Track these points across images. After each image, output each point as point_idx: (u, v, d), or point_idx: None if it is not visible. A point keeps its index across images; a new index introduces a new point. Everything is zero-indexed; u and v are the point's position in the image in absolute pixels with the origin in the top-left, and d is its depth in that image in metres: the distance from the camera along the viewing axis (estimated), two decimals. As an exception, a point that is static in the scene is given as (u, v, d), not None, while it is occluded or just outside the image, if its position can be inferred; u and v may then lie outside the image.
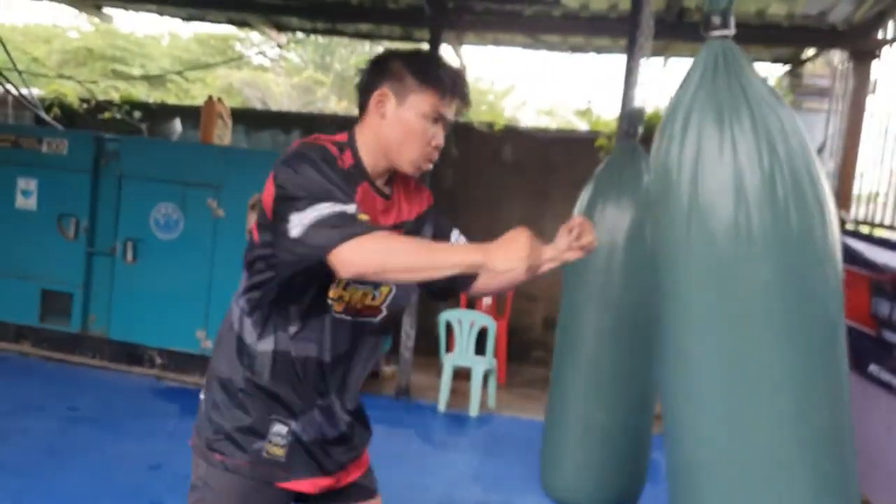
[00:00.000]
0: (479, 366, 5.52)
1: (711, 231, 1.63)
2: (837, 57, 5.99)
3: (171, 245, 5.62)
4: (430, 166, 1.84)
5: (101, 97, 8.30)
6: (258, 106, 13.85)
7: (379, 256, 1.54)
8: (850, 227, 5.23)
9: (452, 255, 1.56)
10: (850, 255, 4.63)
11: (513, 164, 7.27)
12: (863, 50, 5.42)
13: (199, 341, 5.59)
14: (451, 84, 1.78)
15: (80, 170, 5.75)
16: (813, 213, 1.62)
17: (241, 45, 18.29)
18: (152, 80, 13.59)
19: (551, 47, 6.81)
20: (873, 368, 4.28)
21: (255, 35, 17.72)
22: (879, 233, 4.92)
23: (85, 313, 5.82)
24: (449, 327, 5.75)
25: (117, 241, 5.70)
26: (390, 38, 7.18)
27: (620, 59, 5.97)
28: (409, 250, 1.58)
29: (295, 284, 1.76)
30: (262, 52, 17.97)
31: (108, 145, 5.79)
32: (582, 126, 8.28)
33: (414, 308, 5.85)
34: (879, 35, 5.31)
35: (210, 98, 5.89)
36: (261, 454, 1.81)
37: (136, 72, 13.82)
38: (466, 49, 7.19)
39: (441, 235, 2.00)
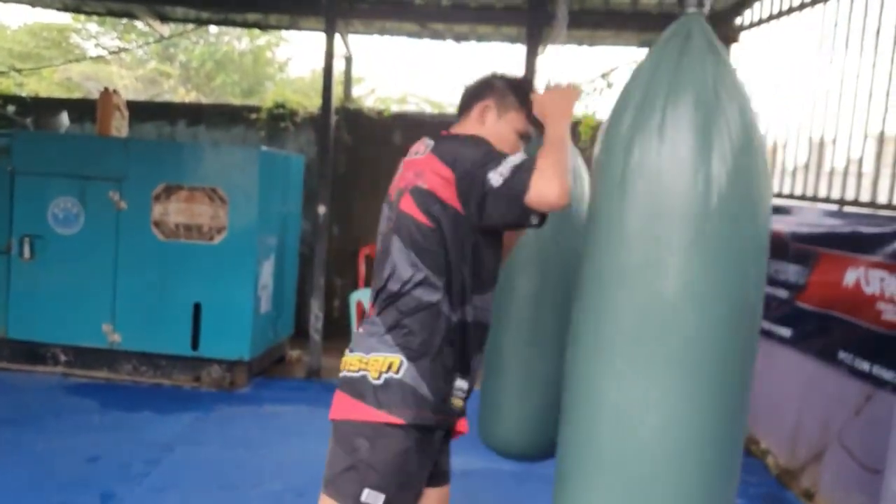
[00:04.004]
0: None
1: (641, 203, 1.81)
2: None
3: (72, 239, 5.50)
4: None
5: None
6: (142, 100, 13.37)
7: (563, 174, 1.86)
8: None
9: (562, 134, 1.97)
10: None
11: (403, 148, 7.46)
12: (724, 35, 6.00)
13: (106, 335, 5.51)
14: (532, 108, 2.15)
15: (-33, 166, 5.53)
16: (751, 192, 1.79)
17: (79, 37, 17.53)
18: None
19: (436, 36, 7.07)
20: (753, 319, 4.81)
21: (92, 26, 17.05)
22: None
23: (-21, 314, 5.62)
24: (359, 306, 5.93)
25: (13, 238, 5.52)
26: (278, 27, 7.23)
27: (504, 49, 6.28)
28: (552, 154, 1.90)
29: (479, 251, 2.04)
30: (99, 45, 17.28)
31: (-4, 140, 5.60)
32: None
33: (321, 291, 5.99)
34: (738, 21, 5.90)
35: (106, 90, 5.78)
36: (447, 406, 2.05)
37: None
38: (354, 39, 7.34)
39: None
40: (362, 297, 5.94)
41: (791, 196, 4.90)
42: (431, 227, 1.97)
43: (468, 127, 2.15)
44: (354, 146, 7.18)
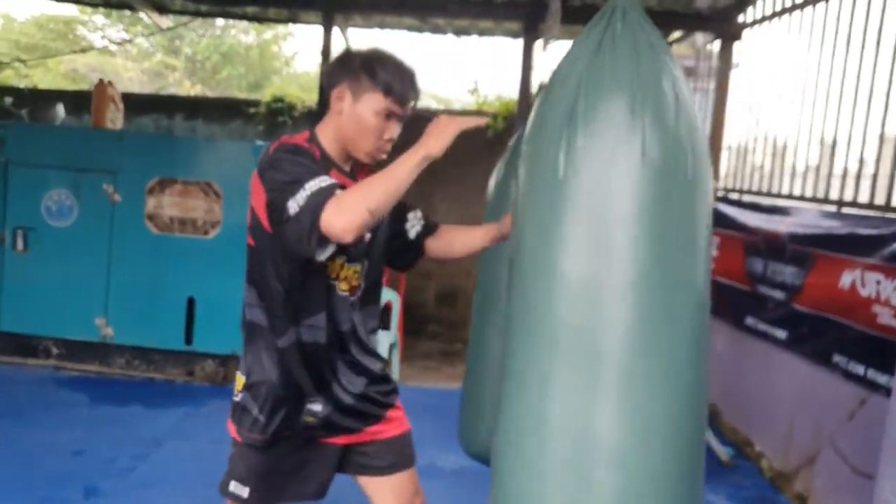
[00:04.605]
0: (385, 339, 5.70)
1: (576, 193, 1.58)
2: (701, 39, 6.51)
3: (65, 232, 5.47)
4: (385, 156, 2.05)
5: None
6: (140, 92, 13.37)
7: (359, 207, 1.73)
8: (720, 195, 5.74)
9: (403, 163, 1.77)
10: (724, 220, 5.13)
11: (401, 143, 7.43)
12: (726, 33, 5.94)
13: (98, 329, 5.48)
14: (401, 82, 1.97)
15: (-40, 157, 5.50)
16: (691, 178, 1.60)
17: (85, 29, 17.54)
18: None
19: (436, 30, 7.03)
20: (750, 321, 4.76)
21: (99, 18, 17.06)
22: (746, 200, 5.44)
23: (-29, 306, 5.59)
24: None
25: (5, 230, 5.49)
26: (277, 20, 7.19)
27: (502, 42, 6.24)
28: (374, 183, 1.77)
29: (296, 277, 1.98)
30: (105, 37, 17.30)
31: (-11, 132, 5.56)
32: (469, 107, 8.56)
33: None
34: (741, 19, 5.84)
35: (101, 81, 5.75)
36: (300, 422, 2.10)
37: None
38: (354, 33, 7.29)
39: (399, 215, 2.29)
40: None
41: (790, 196, 4.85)
42: (253, 246, 2.02)
43: (328, 121, 2.03)
44: (353, 141, 7.12)
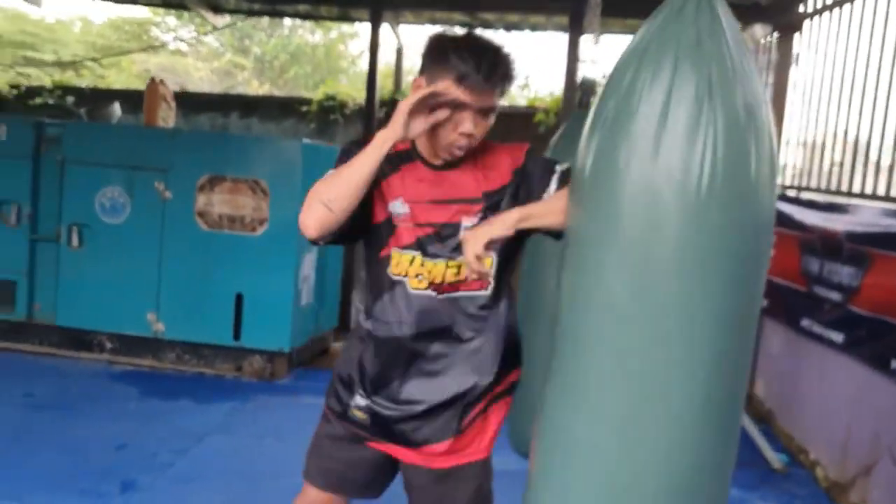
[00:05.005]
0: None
1: (625, 164, 1.51)
2: (760, 31, 6.29)
3: (118, 229, 5.57)
4: (461, 152, 1.84)
5: (12, 84, 8.09)
6: (193, 91, 13.65)
7: (315, 202, 1.72)
8: (777, 191, 5.53)
9: (361, 153, 1.74)
10: (781, 218, 4.94)
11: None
12: (786, 24, 5.72)
13: (150, 324, 5.57)
14: (476, 71, 1.75)
15: (20, 156, 5.64)
16: (744, 164, 1.52)
17: (158, 30, 17.95)
18: (65, 66, 13.23)
19: (487, 25, 6.96)
20: (805, 322, 4.58)
21: (171, 19, 17.45)
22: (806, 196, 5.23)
23: (30, 301, 5.73)
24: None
25: (61, 226, 5.62)
26: (329, 18, 7.22)
27: (555, 38, 6.14)
28: (333, 175, 1.77)
29: (372, 268, 1.99)
30: (178, 37, 17.67)
31: (48, 130, 5.69)
32: (520, 101, 8.47)
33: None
34: (801, 10, 5.61)
35: (153, 80, 5.85)
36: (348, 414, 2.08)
37: (49, 58, 13.42)
38: (405, 30, 7.28)
39: (536, 192, 1.91)
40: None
41: (850, 194, 4.63)
42: None
43: None
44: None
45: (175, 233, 5.51)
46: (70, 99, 7.28)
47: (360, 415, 2.02)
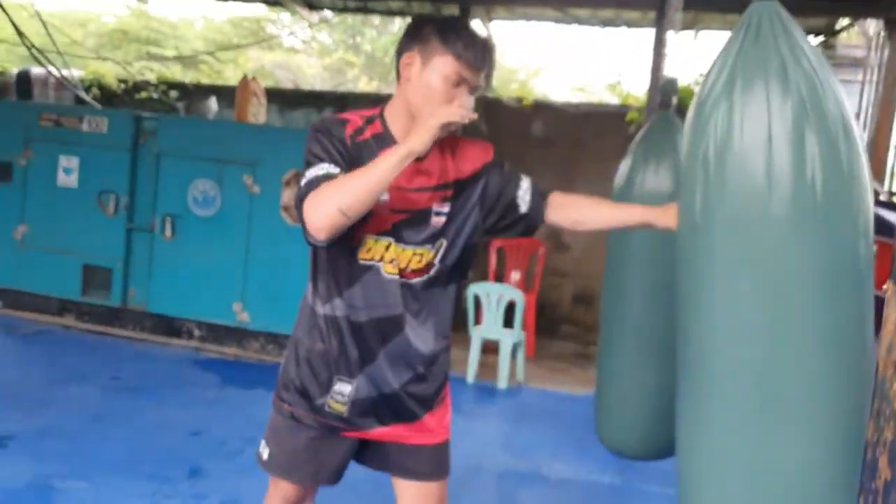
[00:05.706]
0: (508, 338, 5.60)
1: (739, 197, 1.62)
2: (872, 27, 5.93)
3: (208, 221, 5.75)
4: (454, 129, 1.86)
5: (137, 78, 8.48)
6: (290, 87, 13.99)
7: (329, 206, 1.68)
8: (883, 198, 5.20)
9: (385, 160, 1.71)
10: (885, 227, 4.63)
11: (542, 139, 7.30)
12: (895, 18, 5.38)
13: (235, 314, 5.73)
14: (473, 48, 1.84)
15: (120, 148, 5.90)
16: (847, 181, 1.61)
17: (273, 27, 18.46)
18: (185, 61, 13.77)
19: (581, 21, 6.82)
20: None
21: (286, 16, 17.92)
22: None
23: (125, 287, 5.99)
24: (477, 301, 5.83)
25: (156, 217, 5.85)
26: (420, 14, 7.22)
27: (651, 34, 5.95)
28: (351, 180, 1.72)
29: (331, 251, 1.91)
30: (293, 34, 18.12)
31: (146, 124, 5.93)
32: (612, 100, 8.28)
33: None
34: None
35: (245, 77, 6.00)
36: (324, 408, 2.02)
37: (170, 53, 14.00)
38: (497, 25, 7.22)
39: (509, 188, 2.05)
40: (480, 290, 5.82)
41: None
42: None
43: (398, 91, 1.92)
44: (491, 135, 7.05)
45: (261, 226, 5.65)
46: (173, 94, 7.56)
47: (337, 406, 2.00)
